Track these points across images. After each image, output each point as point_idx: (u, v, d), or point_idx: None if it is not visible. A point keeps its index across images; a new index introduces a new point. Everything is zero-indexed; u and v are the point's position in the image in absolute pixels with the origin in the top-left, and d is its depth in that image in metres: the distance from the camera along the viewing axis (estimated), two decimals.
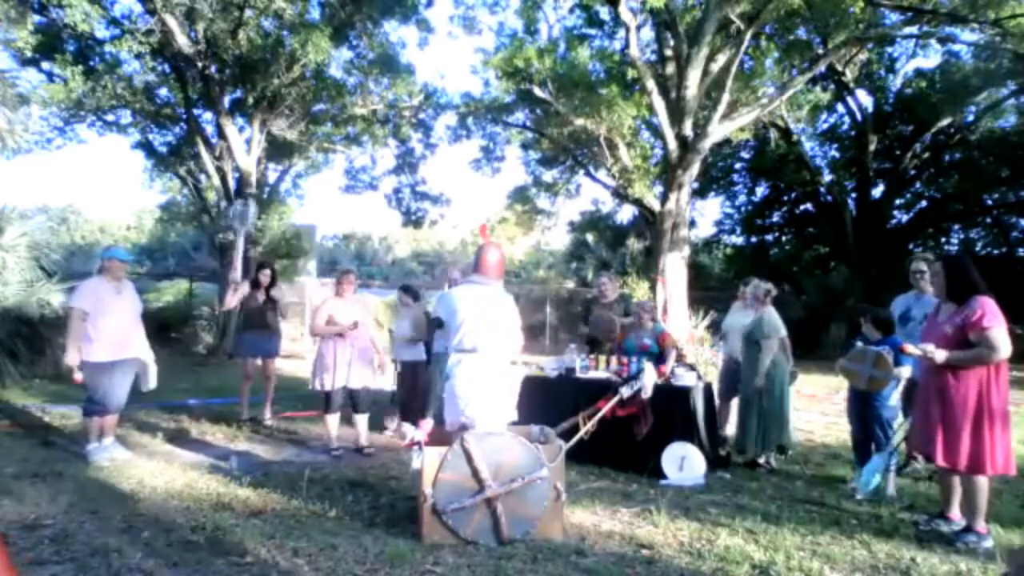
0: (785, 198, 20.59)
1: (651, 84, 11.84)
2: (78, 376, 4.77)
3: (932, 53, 17.61)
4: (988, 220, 18.92)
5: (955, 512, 3.64)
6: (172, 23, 10.55)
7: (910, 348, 3.57)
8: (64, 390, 7.06)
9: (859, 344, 4.59)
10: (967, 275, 3.50)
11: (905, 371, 4.37)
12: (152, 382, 5.19)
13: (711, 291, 15.00)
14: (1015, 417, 7.44)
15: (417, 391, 5.88)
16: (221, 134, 12.38)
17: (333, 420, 5.39)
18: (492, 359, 3.66)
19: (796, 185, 19.37)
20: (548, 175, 18.05)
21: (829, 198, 18.56)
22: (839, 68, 15.73)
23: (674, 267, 12.26)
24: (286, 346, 13.59)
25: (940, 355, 3.38)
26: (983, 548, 3.40)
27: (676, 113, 11.96)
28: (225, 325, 12.67)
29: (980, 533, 3.46)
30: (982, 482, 3.44)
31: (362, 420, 5.45)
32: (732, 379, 5.68)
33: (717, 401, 5.69)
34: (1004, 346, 3.31)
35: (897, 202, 18.92)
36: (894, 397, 4.50)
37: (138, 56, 11.11)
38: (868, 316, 4.67)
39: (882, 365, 4.15)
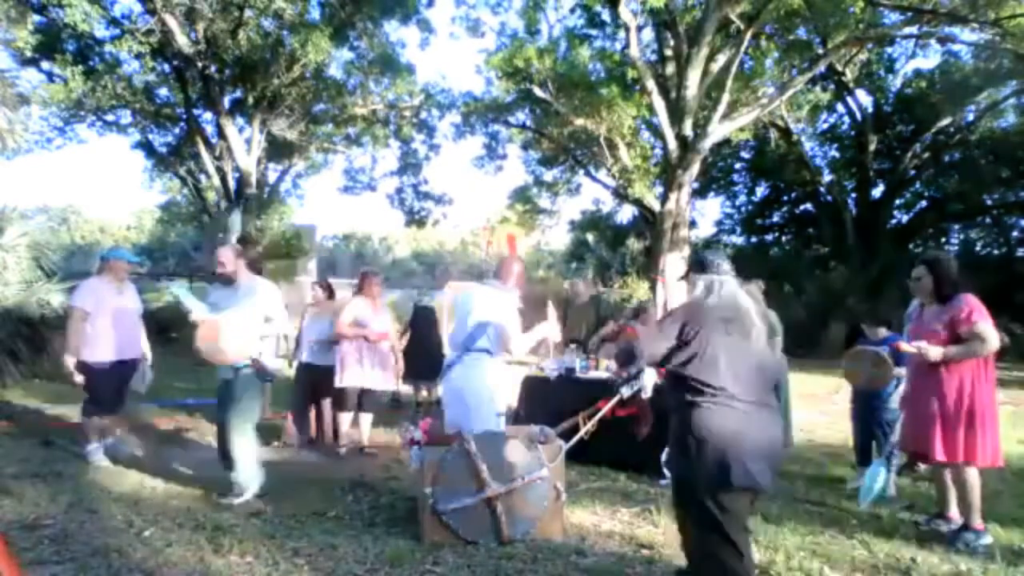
0: (785, 198, 20.61)
1: (651, 84, 11.85)
2: (78, 378, 4.76)
3: (932, 53, 17.70)
4: (988, 220, 18.94)
5: (954, 511, 3.66)
6: (172, 23, 10.55)
7: (905, 346, 3.59)
8: (64, 390, 7.05)
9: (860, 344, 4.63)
10: (952, 275, 3.57)
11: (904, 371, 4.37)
12: (143, 386, 5.18)
13: None
14: (1014, 416, 7.45)
15: (318, 400, 5.58)
16: (221, 134, 12.38)
17: (346, 418, 5.38)
18: (483, 357, 3.72)
19: (796, 185, 19.39)
20: (548, 175, 18.07)
21: (829, 198, 18.57)
22: (839, 68, 15.74)
23: (674, 267, 12.26)
24: (285, 345, 13.62)
25: (935, 352, 3.43)
26: (981, 546, 3.41)
27: (676, 113, 11.96)
28: None
29: (977, 530, 3.47)
30: (974, 479, 3.47)
31: (365, 420, 5.44)
32: None
33: None
34: (993, 338, 3.42)
35: (897, 202, 18.94)
36: (894, 399, 4.49)
37: (138, 56, 11.12)
38: (870, 316, 4.70)
39: (880, 364, 4.18)
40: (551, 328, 3.95)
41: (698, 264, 2.75)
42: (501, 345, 3.76)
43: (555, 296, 14.24)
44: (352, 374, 5.25)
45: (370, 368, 5.32)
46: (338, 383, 5.28)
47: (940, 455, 3.47)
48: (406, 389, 8.03)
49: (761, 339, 2.58)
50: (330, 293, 5.84)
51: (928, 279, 3.59)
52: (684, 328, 2.53)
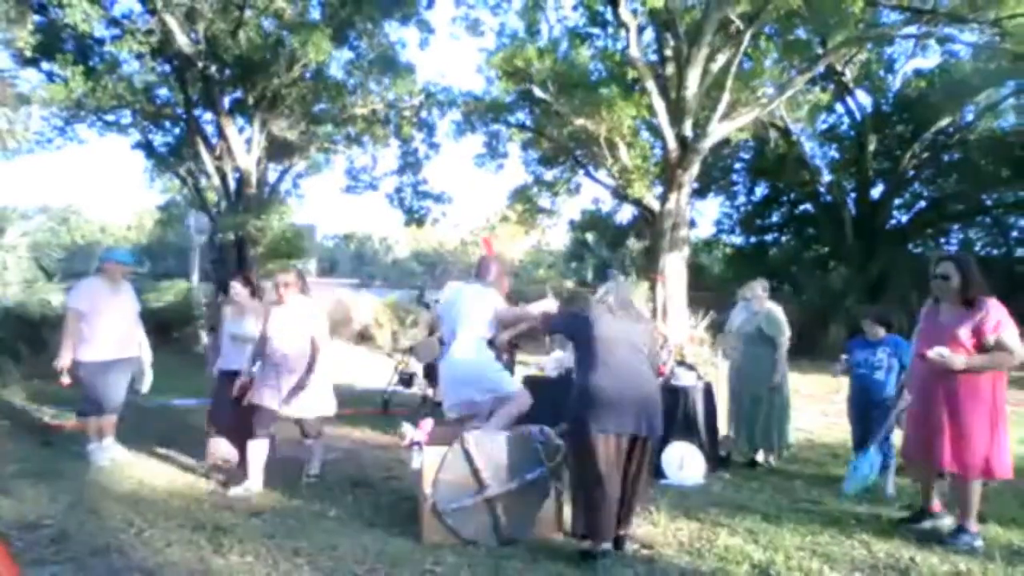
0: (784, 198, 20.60)
1: (651, 84, 11.85)
2: (65, 380, 4.72)
3: (931, 53, 17.62)
4: (987, 220, 18.93)
5: (936, 504, 3.65)
6: (172, 23, 10.55)
7: (931, 354, 3.31)
8: (64, 390, 7.05)
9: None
10: (979, 276, 3.37)
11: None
12: (146, 386, 5.17)
13: (710, 291, 15.00)
14: (1014, 417, 7.45)
15: (239, 409, 4.54)
16: (221, 134, 12.37)
17: (215, 444, 4.49)
18: (471, 336, 3.98)
19: (795, 185, 19.37)
20: (548, 175, 18.06)
21: (828, 198, 18.56)
22: (838, 68, 15.73)
23: (674, 267, 12.27)
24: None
25: (959, 361, 3.24)
26: (976, 547, 3.40)
27: (676, 113, 11.96)
28: None
29: (973, 533, 3.45)
30: (977, 485, 3.41)
31: (314, 446, 4.62)
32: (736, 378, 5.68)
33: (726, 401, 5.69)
34: (1020, 350, 3.26)
35: (896, 202, 18.92)
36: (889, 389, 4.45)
37: (138, 56, 11.10)
38: (871, 315, 4.68)
39: None
40: (549, 304, 4.22)
41: (604, 275, 3.42)
42: (493, 326, 4.05)
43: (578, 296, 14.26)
44: (262, 395, 4.37)
45: (276, 389, 4.31)
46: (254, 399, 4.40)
47: (950, 465, 3.36)
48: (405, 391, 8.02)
49: (641, 325, 3.50)
50: (253, 290, 5.01)
51: (956, 279, 3.35)
52: (578, 318, 3.52)
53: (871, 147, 17.55)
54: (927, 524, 3.66)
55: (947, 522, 3.62)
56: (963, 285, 3.36)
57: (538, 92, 13.13)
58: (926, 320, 3.59)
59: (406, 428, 4.74)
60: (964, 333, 3.29)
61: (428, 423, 4.74)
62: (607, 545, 3.19)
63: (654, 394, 3.41)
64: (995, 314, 3.27)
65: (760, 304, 5.29)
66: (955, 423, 3.32)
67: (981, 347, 3.29)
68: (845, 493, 4.02)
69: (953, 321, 3.37)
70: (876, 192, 18.29)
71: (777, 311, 5.25)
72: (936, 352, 3.28)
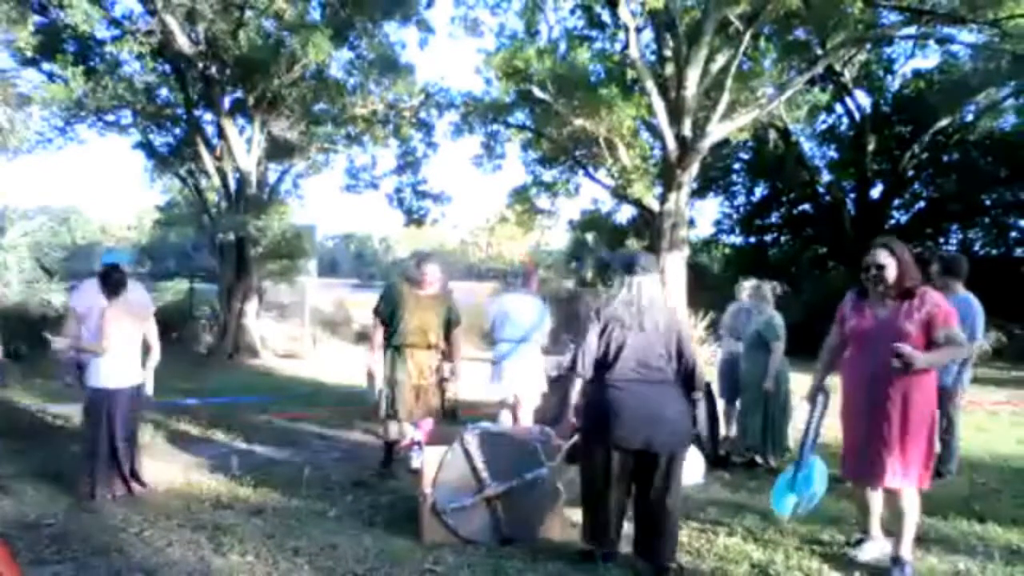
0: (784, 198, 20.63)
1: (650, 85, 11.85)
2: (68, 379, 4.80)
3: (931, 53, 17.68)
4: (987, 220, 18.97)
5: (877, 529, 3.33)
6: (173, 24, 10.56)
7: (907, 350, 2.85)
8: (64, 390, 7.05)
9: None
10: (913, 264, 3.00)
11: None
12: (149, 387, 5.17)
13: (710, 291, 15.00)
14: (1015, 417, 7.44)
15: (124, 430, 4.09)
16: (221, 135, 12.38)
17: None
18: (534, 346, 5.09)
19: (795, 185, 19.40)
20: (548, 175, 18.07)
21: (828, 198, 18.59)
22: (838, 69, 15.76)
23: (674, 267, 12.27)
24: (286, 345, 13.63)
25: (922, 359, 2.84)
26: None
27: (675, 113, 11.96)
28: (226, 324, 12.68)
29: (908, 561, 3.06)
30: (916, 500, 3.05)
31: None
32: (732, 379, 5.69)
33: (722, 401, 5.69)
34: (966, 342, 3.10)
35: (896, 202, 18.95)
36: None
37: (139, 57, 11.11)
38: None
39: None
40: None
41: (627, 266, 3.24)
42: (543, 336, 5.19)
43: (552, 295, 14.31)
44: None
45: None
46: None
47: (895, 480, 2.96)
48: None
49: (658, 330, 3.15)
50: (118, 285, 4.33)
51: (893, 268, 2.95)
52: (603, 330, 3.15)
53: (870, 147, 17.57)
54: (864, 549, 3.32)
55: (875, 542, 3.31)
56: (899, 275, 2.97)
57: (538, 92, 13.13)
58: (858, 317, 3.11)
59: (406, 428, 4.75)
60: (913, 329, 2.90)
61: (428, 423, 4.76)
62: (605, 551, 3.19)
63: (668, 409, 3.08)
64: (943, 305, 2.93)
65: (765, 307, 5.29)
66: (910, 432, 2.93)
67: (929, 343, 2.92)
68: (781, 514, 3.46)
69: (896, 316, 2.96)
70: (875, 192, 18.32)
71: (778, 317, 5.25)
72: (898, 348, 2.83)
